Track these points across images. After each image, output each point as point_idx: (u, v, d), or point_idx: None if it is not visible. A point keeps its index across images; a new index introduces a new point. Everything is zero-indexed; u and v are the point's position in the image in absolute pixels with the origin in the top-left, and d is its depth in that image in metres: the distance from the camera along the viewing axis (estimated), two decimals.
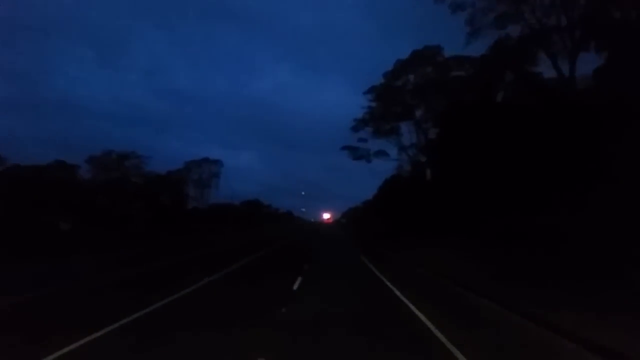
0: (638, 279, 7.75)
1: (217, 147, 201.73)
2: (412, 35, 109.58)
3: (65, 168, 34.61)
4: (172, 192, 56.36)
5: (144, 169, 41.23)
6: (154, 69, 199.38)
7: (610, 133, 12.48)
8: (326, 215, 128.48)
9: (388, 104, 32.38)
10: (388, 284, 11.52)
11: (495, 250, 14.98)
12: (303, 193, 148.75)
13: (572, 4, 17.10)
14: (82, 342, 5.61)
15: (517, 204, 16.13)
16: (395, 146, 35.27)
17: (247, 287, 10.88)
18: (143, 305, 7.92)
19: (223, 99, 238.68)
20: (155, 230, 32.64)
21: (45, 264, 16.11)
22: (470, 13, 19.75)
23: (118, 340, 5.81)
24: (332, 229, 77.76)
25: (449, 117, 28.35)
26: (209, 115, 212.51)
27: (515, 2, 18.48)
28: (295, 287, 10.65)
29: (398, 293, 9.90)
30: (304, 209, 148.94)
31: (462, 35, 21.06)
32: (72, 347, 5.39)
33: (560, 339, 5.80)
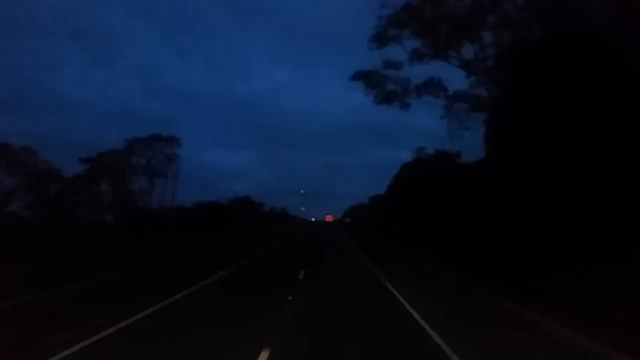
0: None
1: (212, 146, 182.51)
2: None
3: None
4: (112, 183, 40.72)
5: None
6: (144, 66, 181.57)
7: None
8: (327, 214, 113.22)
9: None
10: None
11: None
12: (302, 191, 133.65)
13: None
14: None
15: None
16: (459, 67, 17.81)
17: None
18: None
19: (217, 96, 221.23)
20: None
21: None
22: None
23: None
24: (336, 233, 56.50)
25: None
26: (203, 113, 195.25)
27: None
28: None
29: None
30: (303, 208, 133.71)
31: None
32: None
33: None
